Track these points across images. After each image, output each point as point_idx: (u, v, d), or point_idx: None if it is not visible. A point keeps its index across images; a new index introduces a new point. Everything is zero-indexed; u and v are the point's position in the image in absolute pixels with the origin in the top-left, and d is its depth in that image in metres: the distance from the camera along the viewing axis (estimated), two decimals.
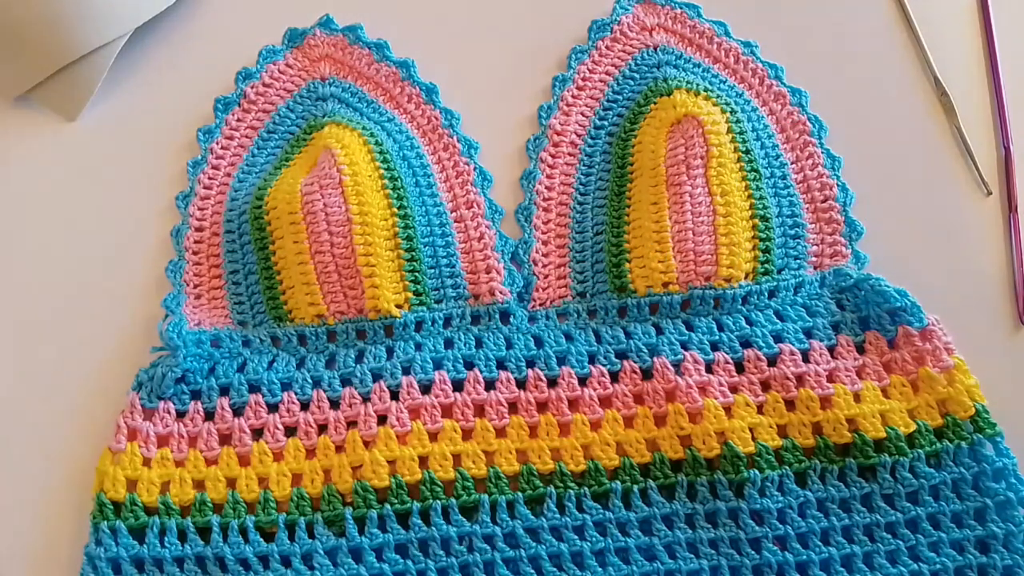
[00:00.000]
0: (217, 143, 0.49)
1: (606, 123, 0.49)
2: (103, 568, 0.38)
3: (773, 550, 0.38)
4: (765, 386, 0.41)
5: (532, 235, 0.46)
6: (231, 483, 0.40)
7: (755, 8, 0.52)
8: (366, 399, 0.41)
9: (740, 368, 0.42)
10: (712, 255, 0.43)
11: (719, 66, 0.49)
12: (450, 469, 0.40)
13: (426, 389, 0.42)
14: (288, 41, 0.52)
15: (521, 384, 0.42)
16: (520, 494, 0.40)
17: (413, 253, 0.44)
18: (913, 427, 0.40)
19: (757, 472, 0.39)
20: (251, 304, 0.44)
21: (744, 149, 0.45)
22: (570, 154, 0.48)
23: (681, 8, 0.51)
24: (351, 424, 0.41)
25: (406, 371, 0.42)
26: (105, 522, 0.39)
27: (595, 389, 0.41)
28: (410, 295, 0.44)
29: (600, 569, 0.38)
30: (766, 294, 0.43)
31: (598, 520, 0.39)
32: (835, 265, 0.44)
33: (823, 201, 0.46)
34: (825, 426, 0.40)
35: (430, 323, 0.44)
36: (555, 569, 0.38)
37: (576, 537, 0.39)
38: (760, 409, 0.41)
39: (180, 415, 0.42)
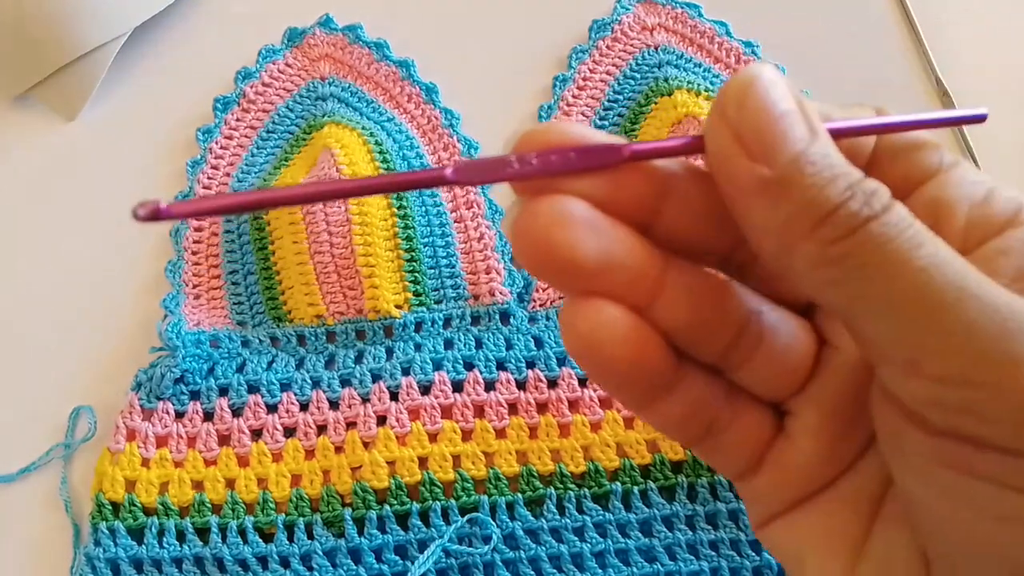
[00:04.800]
0: (216, 143, 0.48)
1: (607, 123, 0.48)
2: (102, 569, 0.38)
3: None
4: None
5: None
6: (230, 484, 0.40)
7: (756, 8, 0.52)
8: (365, 400, 0.41)
9: None
10: None
11: (720, 66, 0.49)
12: (450, 470, 0.40)
13: (426, 390, 0.41)
14: (288, 40, 0.52)
15: (521, 385, 0.42)
16: (520, 495, 0.39)
17: (413, 253, 0.44)
18: None
19: None
20: (250, 304, 0.44)
21: None
22: None
23: (682, 8, 0.51)
24: (350, 425, 0.41)
25: (406, 372, 0.42)
26: (104, 523, 0.39)
27: (595, 390, 0.41)
28: (410, 295, 0.44)
29: (600, 571, 0.38)
30: None
31: (598, 521, 0.39)
32: None
33: None
34: None
35: (430, 324, 0.43)
36: (555, 571, 0.38)
37: (576, 538, 0.39)
38: None
39: (179, 416, 0.41)
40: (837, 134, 0.19)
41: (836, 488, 0.21)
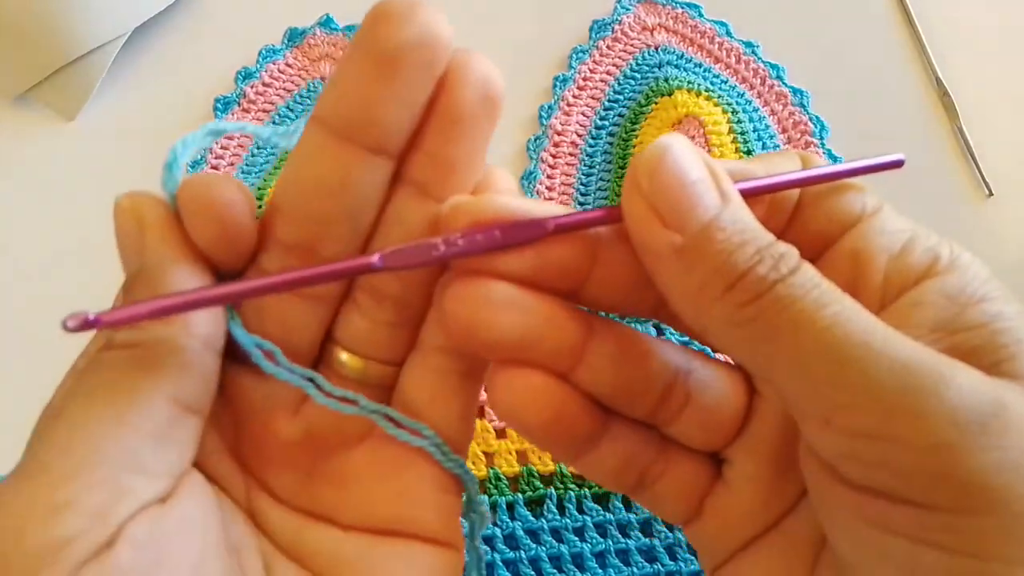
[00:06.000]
0: (217, 143, 0.48)
1: (607, 123, 0.48)
2: None
3: None
4: None
5: None
6: None
7: (756, 8, 0.52)
8: None
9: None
10: None
11: (720, 66, 0.49)
12: None
13: None
14: (288, 40, 0.51)
15: None
16: (520, 495, 0.39)
17: None
18: None
19: None
20: None
21: (745, 150, 0.45)
22: (571, 154, 0.48)
23: (682, 8, 0.51)
24: None
25: None
26: None
27: None
28: None
29: (600, 571, 0.38)
30: None
31: (599, 522, 0.39)
32: None
33: None
34: None
35: None
36: (555, 571, 0.38)
37: (576, 538, 0.39)
38: None
39: None
40: (751, 194, 0.19)
41: (778, 532, 0.21)
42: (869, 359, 0.16)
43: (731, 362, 0.22)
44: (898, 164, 0.22)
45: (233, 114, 0.49)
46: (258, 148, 0.49)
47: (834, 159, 0.47)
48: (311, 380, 0.21)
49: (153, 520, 0.18)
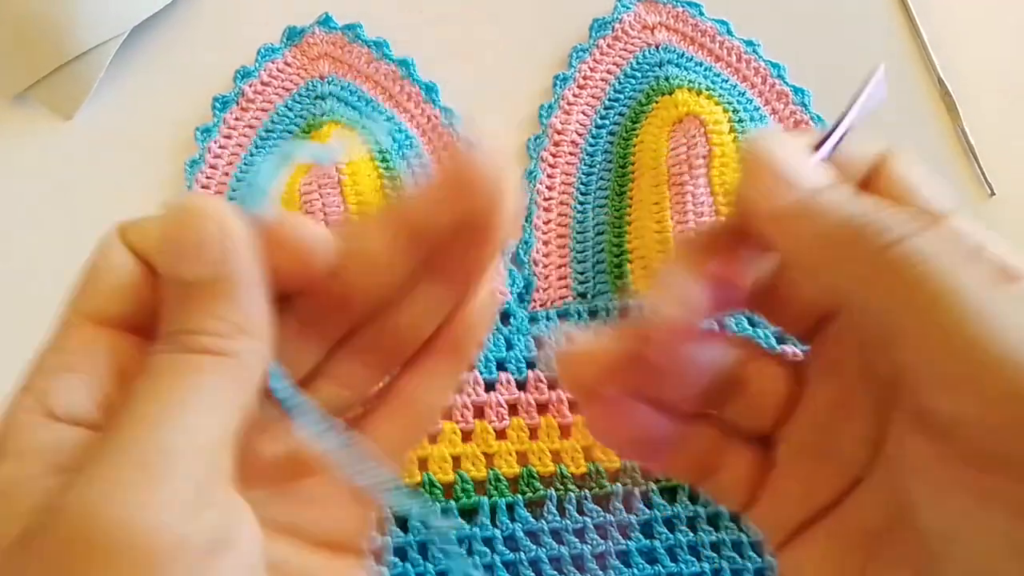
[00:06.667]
0: (215, 142, 0.48)
1: (607, 122, 0.48)
2: None
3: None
4: None
5: (532, 235, 0.46)
6: None
7: (757, 7, 0.52)
8: None
9: None
10: None
11: (721, 65, 0.49)
12: (449, 471, 0.40)
13: None
14: (287, 39, 0.51)
15: (521, 385, 0.42)
16: (520, 496, 0.39)
17: None
18: None
19: None
20: None
21: None
22: (571, 153, 0.48)
23: (683, 7, 0.51)
24: None
25: None
26: None
27: None
28: None
29: (601, 572, 0.38)
30: None
31: (599, 523, 0.39)
32: None
33: None
34: None
35: None
36: (555, 572, 0.38)
37: (577, 540, 0.39)
38: None
39: None
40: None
41: (829, 519, 0.21)
42: (1009, 328, 0.16)
43: (779, 353, 0.24)
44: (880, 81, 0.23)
45: (231, 113, 0.49)
46: (256, 147, 0.48)
47: None
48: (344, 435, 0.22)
49: (236, 525, 0.19)
